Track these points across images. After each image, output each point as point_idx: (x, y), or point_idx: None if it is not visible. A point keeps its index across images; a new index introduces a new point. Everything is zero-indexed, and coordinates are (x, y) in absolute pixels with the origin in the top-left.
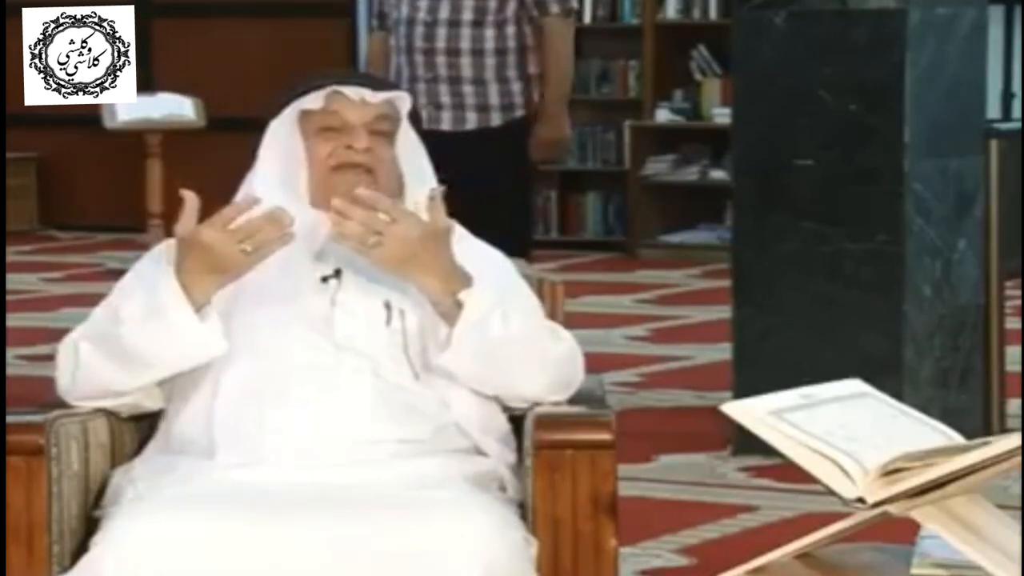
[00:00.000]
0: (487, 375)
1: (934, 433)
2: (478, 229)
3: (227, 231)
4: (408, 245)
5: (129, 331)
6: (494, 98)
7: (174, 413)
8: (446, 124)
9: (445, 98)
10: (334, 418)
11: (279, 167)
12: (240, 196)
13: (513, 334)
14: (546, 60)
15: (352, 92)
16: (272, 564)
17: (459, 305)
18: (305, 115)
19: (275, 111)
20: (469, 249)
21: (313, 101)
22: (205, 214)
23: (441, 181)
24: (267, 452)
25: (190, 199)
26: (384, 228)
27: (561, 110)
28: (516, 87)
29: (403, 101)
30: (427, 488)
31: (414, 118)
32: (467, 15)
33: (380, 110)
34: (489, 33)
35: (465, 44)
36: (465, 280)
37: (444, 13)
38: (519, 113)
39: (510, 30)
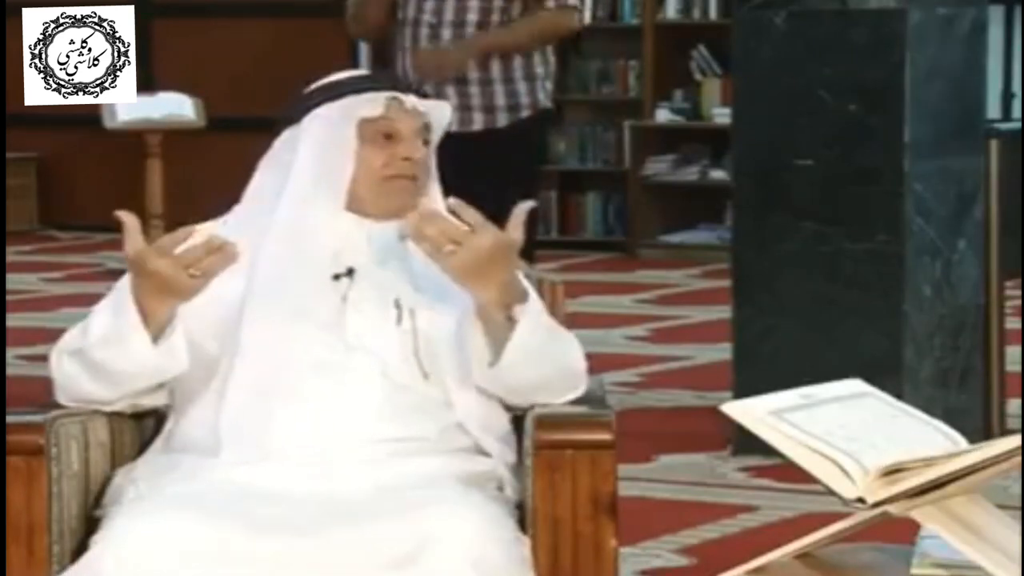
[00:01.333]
0: (525, 388)
1: (935, 433)
2: None
3: (173, 257)
4: (480, 257)
5: (95, 350)
6: (500, 99)
7: (181, 412)
8: (453, 125)
9: (451, 100)
10: (341, 417)
11: (317, 164)
12: (253, 186)
13: (556, 350)
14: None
15: (407, 100)
16: (271, 564)
17: (511, 320)
18: (362, 121)
19: (307, 106)
20: None
21: (371, 107)
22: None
23: (447, 184)
24: (273, 450)
25: (129, 220)
26: (463, 237)
27: (475, 46)
28: (522, 88)
29: (445, 112)
30: (423, 488)
31: None
32: (472, 16)
33: (425, 119)
34: None
35: None
36: (521, 295)
37: (449, 15)
38: (525, 114)
39: None
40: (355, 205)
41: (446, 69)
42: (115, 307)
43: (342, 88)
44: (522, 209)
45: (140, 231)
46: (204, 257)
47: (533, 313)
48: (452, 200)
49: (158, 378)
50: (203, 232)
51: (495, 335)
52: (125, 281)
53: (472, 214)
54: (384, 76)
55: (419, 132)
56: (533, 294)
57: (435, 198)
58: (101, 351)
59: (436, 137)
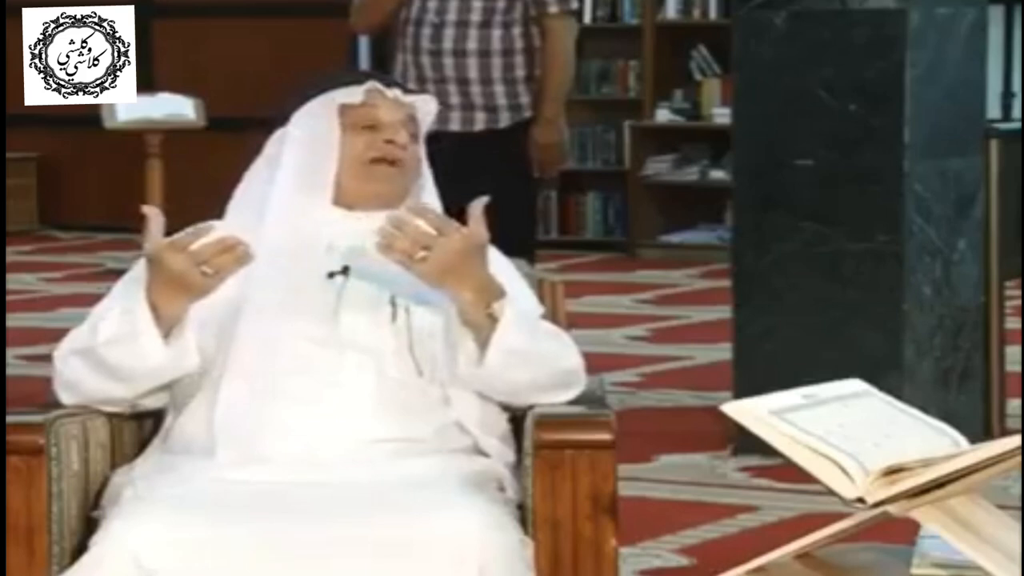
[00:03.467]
0: (514, 387)
1: (935, 432)
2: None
3: (188, 253)
4: (451, 258)
5: (104, 350)
6: (501, 99)
7: (177, 411)
8: (455, 125)
9: (454, 99)
10: (336, 415)
11: (302, 159)
12: (242, 188)
13: (542, 349)
14: (544, 60)
15: (388, 91)
16: (269, 564)
17: (491, 318)
18: (342, 109)
19: (295, 104)
20: None
21: (352, 96)
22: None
23: (448, 182)
24: (267, 450)
25: (154, 215)
26: (432, 241)
27: (556, 113)
28: (523, 88)
29: (429, 106)
30: (422, 488)
31: None
32: (475, 16)
33: (410, 111)
34: (496, 34)
35: (472, 45)
36: (499, 293)
37: (452, 15)
38: (527, 114)
39: (517, 31)
40: (341, 198)
41: (563, 150)
42: (125, 306)
43: (324, 83)
44: (478, 205)
45: (162, 227)
46: (218, 255)
47: (514, 310)
48: (412, 203)
49: (168, 377)
50: (218, 230)
51: (478, 334)
52: (128, 279)
53: (434, 217)
54: (368, 71)
55: (403, 122)
56: (526, 292)
57: (426, 199)
58: (111, 350)
59: (423, 132)
